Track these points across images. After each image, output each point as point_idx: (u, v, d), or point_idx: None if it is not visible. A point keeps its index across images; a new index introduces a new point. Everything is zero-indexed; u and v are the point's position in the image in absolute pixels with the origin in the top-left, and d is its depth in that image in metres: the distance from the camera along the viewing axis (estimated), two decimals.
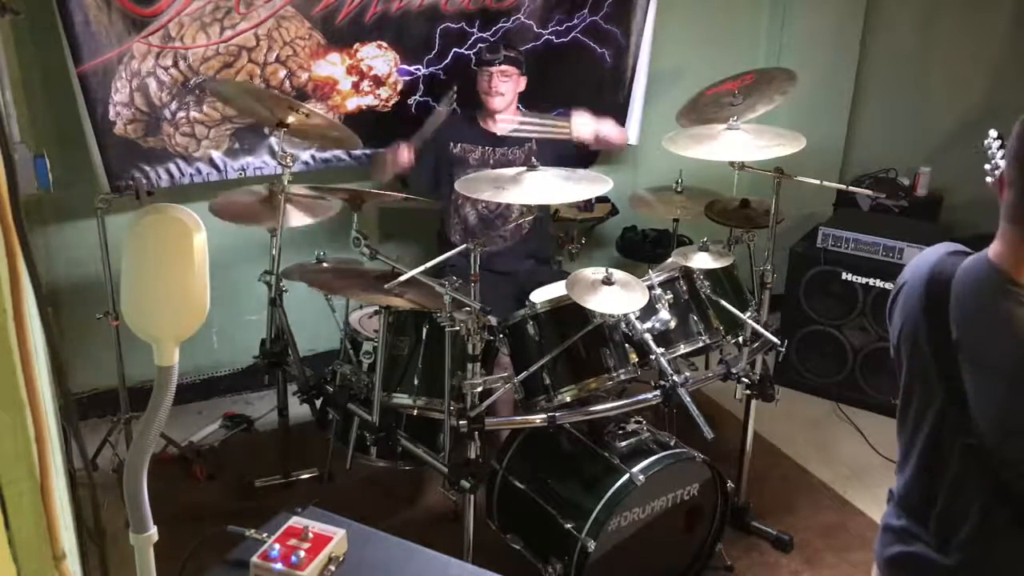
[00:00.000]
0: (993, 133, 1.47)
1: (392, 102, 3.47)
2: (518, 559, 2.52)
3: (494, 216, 3.27)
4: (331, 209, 2.96)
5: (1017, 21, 4.41)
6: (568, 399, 2.42)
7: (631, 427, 2.54)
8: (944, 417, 1.35)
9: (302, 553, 1.43)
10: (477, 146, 3.27)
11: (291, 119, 2.79)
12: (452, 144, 3.28)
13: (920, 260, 1.43)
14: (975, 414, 1.29)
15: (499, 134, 3.24)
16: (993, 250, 1.31)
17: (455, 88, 3.22)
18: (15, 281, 0.91)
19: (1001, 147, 1.43)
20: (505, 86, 3.19)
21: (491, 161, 3.25)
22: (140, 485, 1.18)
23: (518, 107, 3.31)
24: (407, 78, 3.44)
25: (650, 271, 2.64)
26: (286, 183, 2.78)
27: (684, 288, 2.63)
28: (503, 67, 3.16)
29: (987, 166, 1.43)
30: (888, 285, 3.42)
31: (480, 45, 3.43)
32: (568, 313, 2.39)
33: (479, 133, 3.29)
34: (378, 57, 3.37)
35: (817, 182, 2.72)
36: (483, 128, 3.29)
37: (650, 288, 2.41)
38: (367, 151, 3.45)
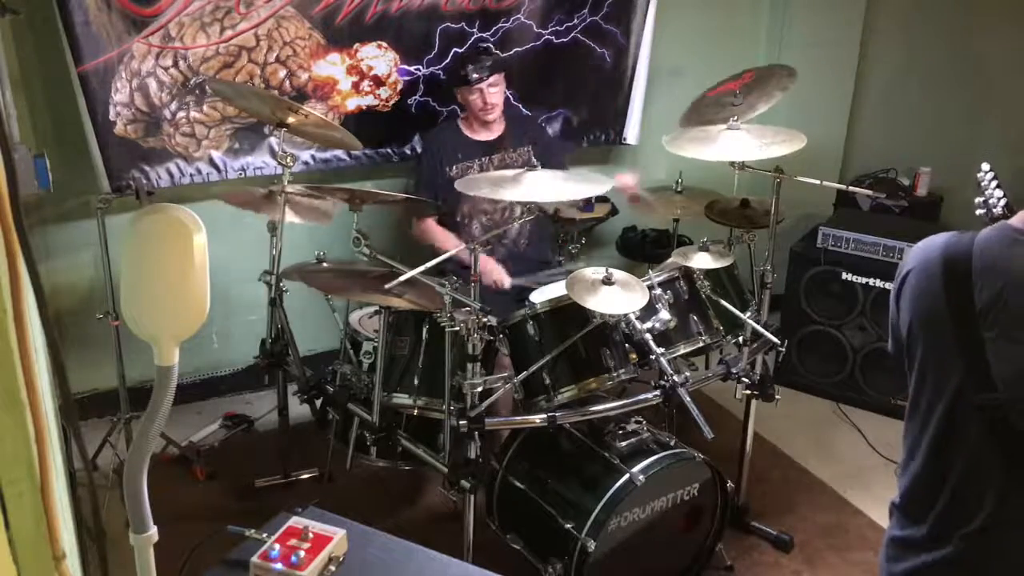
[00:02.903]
0: (985, 167, 1.48)
1: (392, 102, 3.47)
2: (518, 559, 2.51)
3: (498, 225, 3.24)
4: (331, 211, 2.96)
5: (1016, 20, 4.41)
6: (568, 399, 2.42)
7: (631, 427, 2.54)
8: (961, 397, 1.34)
9: (302, 553, 1.43)
10: (473, 160, 3.22)
11: (291, 119, 2.79)
12: (448, 167, 3.19)
13: (927, 244, 1.43)
14: (1003, 383, 1.28)
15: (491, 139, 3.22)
16: (1017, 219, 1.33)
17: None
18: (15, 281, 0.90)
19: (994, 180, 1.44)
20: (496, 96, 3.13)
21: (491, 170, 3.20)
22: (140, 485, 1.18)
23: (517, 105, 3.29)
24: (407, 78, 3.44)
25: (650, 271, 2.64)
26: (286, 183, 2.78)
27: (684, 288, 2.63)
28: (491, 79, 3.09)
29: (978, 199, 1.44)
30: (888, 285, 3.42)
31: (480, 46, 3.42)
32: (568, 313, 2.39)
33: (471, 147, 3.23)
34: (378, 57, 3.37)
35: (817, 182, 2.72)
36: (473, 139, 3.23)
37: (650, 288, 2.41)
38: (367, 151, 3.45)
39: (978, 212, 1.42)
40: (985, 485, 1.33)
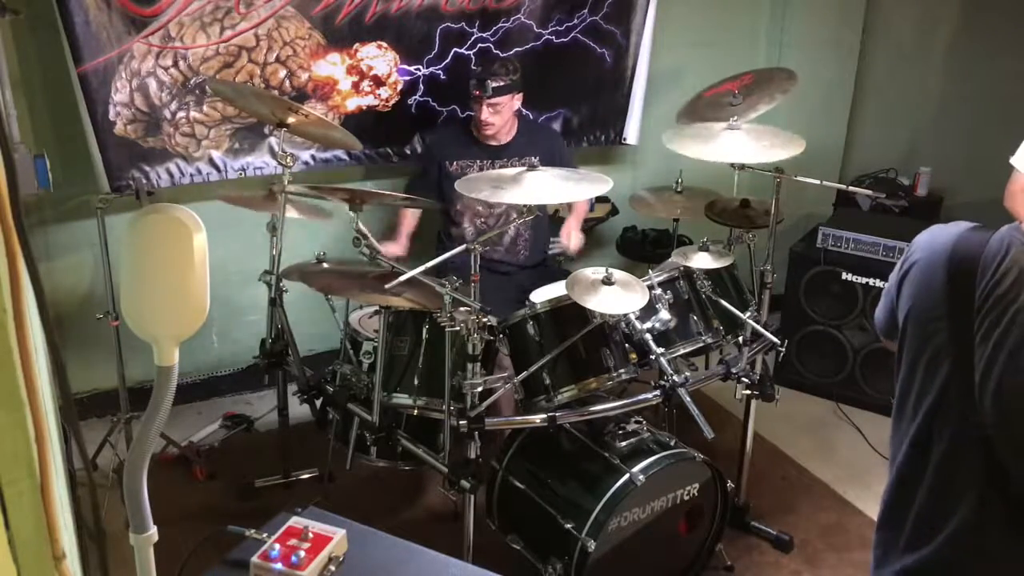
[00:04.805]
0: None
1: (392, 102, 3.47)
2: (518, 559, 2.51)
3: (492, 229, 3.25)
4: (331, 209, 2.96)
5: (1017, 20, 4.41)
6: (568, 399, 2.41)
7: (631, 427, 2.54)
8: (945, 397, 1.31)
9: (302, 553, 1.43)
10: (474, 161, 3.23)
11: (291, 119, 2.79)
12: (449, 163, 3.24)
13: (936, 236, 1.38)
14: (985, 389, 1.26)
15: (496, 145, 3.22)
16: None
17: None
18: (15, 281, 0.90)
19: None
20: (495, 116, 3.12)
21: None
22: (140, 485, 1.18)
23: (516, 114, 3.29)
24: (407, 78, 3.44)
25: (650, 271, 2.64)
26: (286, 183, 2.78)
27: (684, 288, 2.63)
28: (492, 99, 3.07)
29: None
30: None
31: (480, 46, 3.42)
32: (568, 313, 2.39)
33: (475, 148, 3.25)
34: (378, 57, 3.37)
35: (817, 182, 2.73)
36: (479, 142, 3.25)
37: (650, 288, 2.41)
38: (367, 151, 3.45)
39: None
40: (965, 487, 1.31)
